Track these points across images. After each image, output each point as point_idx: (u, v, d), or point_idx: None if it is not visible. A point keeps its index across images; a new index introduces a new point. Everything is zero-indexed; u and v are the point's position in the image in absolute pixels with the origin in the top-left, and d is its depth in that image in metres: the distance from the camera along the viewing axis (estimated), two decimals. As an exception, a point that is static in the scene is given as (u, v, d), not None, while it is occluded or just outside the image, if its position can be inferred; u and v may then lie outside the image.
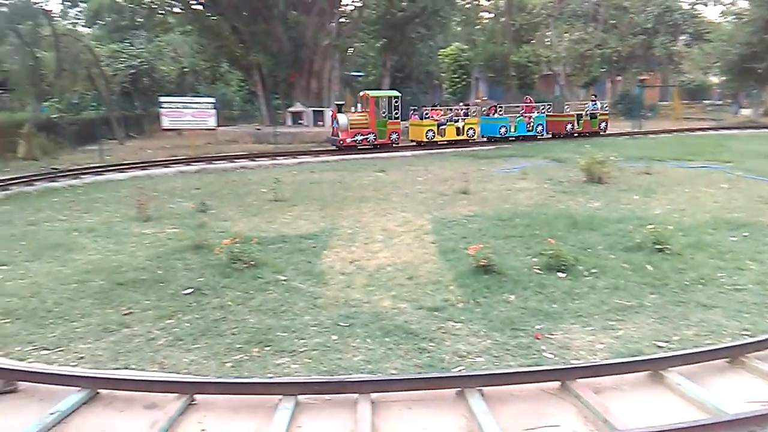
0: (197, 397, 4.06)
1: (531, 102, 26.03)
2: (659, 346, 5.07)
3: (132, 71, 29.77)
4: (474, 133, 23.59)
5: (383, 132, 21.94)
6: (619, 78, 42.46)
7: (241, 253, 7.39)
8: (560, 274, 6.84)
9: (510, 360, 4.84)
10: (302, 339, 5.34)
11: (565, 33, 34.85)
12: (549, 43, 37.73)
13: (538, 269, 7.01)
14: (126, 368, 4.76)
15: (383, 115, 22.15)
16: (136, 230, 9.62)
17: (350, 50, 33.26)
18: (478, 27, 46.34)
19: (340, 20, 30.21)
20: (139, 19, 30.61)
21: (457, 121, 23.37)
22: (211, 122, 21.49)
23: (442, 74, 42.55)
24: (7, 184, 14.23)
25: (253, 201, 12.28)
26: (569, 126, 25.26)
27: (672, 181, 13.48)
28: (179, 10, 28.58)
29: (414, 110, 24.38)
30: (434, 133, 22.73)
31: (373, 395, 3.96)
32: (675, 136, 25.96)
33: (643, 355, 4.73)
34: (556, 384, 4.24)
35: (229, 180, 15.62)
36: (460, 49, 41.80)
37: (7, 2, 22.52)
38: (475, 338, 5.25)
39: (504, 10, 42.09)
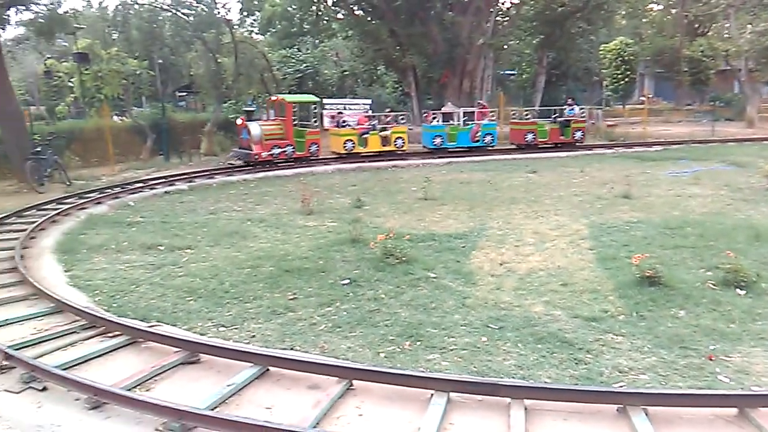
0: (355, 382, 4.28)
1: (484, 107, 22.40)
2: None
3: (299, 75, 31.95)
4: (403, 142, 20.52)
5: (302, 144, 18.72)
6: (813, 74, 36.91)
7: (393, 248, 7.63)
8: (739, 291, 6.16)
9: (678, 380, 4.46)
10: (452, 337, 5.38)
11: (749, 24, 31.00)
12: (728, 35, 33.85)
13: (713, 284, 6.38)
14: (291, 349, 5.15)
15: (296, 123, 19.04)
16: (300, 222, 10.36)
17: (504, 48, 32.63)
18: (645, 20, 42.99)
19: (496, 18, 29.79)
20: (306, 26, 32.74)
21: (383, 129, 20.40)
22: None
23: (603, 70, 40.12)
24: (192, 177, 16.05)
25: (404, 199, 12.60)
26: (530, 136, 21.42)
27: None
28: (342, 16, 30.15)
29: (333, 117, 21.60)
30: (354, 143, 19.76)
31: (527, 402, 3.88)
32: None
33: (843, 390, 4.11)
34: (733, 411, 3.83)
35: (381, 178, 16.17)
36: (624, 44, 39.10)
37: (193, 13, 25.39)
38: (639, 354, 4.91)
39: (676, 0, 38.61)
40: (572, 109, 22.29)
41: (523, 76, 38.67)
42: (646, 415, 3.72)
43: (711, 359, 4.78)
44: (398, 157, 20.01)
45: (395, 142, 20.35)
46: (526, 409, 3.83)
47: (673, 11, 39.95)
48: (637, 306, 5.91)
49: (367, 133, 20.00)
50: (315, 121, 19.29)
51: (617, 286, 6.49)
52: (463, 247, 8.46)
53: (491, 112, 22.12)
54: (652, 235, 8.66)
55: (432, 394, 4.01)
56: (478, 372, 4.65)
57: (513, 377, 4.52)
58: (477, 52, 27.98)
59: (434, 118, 21.45)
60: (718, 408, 3.86)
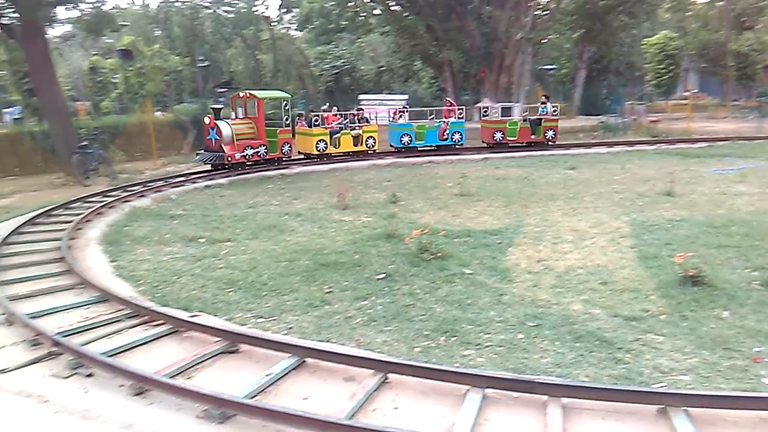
0: (390, 376, 4.31)
1: (452, 104, 21.30)
2: None
3: (335, 71, 32.14)
4: (374, 142, 19.44)
5: (274, 144, 17.12)
6: None
7: (429, 244, 7.62)
8: (787, 293, 5.96)
9: (721, 382, 4.34)
10: (487, 334, 5.35)
11: (800, 16, 29.85)
12: (777, 29, 32.67)
13: (759, 285, 6.18)
14: (327, 341, 5.21)
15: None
16: (336, 217, 10.44)
17: (543, 42, 32.19)
18: (690, 13, 41.76)
19: (535, 12, 29.38)
20: (343, 22, 32.93)
21: (353, 128, 19.20)
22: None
23: (646, 65, 39.15)
24: (231, 172, 16.31)
25: (439, 195, 12.57)
26: (498, 134, 20.59)
27: None
28: (379, 12, 30.21)
29: (300, 115, 19.93)
30: (326, 143, 18.36)
31: (564, 400, 3.85)
32: None
33: None
34: (780, 415, 3.72)
35: (417, 174, 16.14)
36: (668, 38, 38.07)
37: (233, 10, 25.80)
38: (680, 354, 4.80)
39: (723, -8, 37.44)
40: (545, 108, 21.24)
41: (563, 71, 38.10)
42: (687, 416, 3.64)
43: (756, 361, 4.64)
44: (434, 153, 19.91)
45: (367, 141, 19.34)
46: (563, 407, 3.79)
47: (719, 4, 38.75)
48: (680, 306, 5.77)
49: (338, 132, 18.80)
50: (286, 120, 17.68)
51: (659, 286, 6.35)
52: (500, 243, 8.39)
53: (459, 109, 21.16)
54: (696, 233, 8.43)
55: (467, 390, 4.01)
56: (514, 369, 4.62)
57: (550, 375, 4.47)
58: (515, 47, 27.68)
59: (401, 116, 20.49)
60: (762, 411, 3.75)
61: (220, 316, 5.93)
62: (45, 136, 17.64)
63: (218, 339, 5.02)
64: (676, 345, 4.97)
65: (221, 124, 16.11)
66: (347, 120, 19.37)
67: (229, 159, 16.01)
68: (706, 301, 5.83)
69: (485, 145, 21.21)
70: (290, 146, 17.69)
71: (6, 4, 16.61)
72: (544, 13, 30.53)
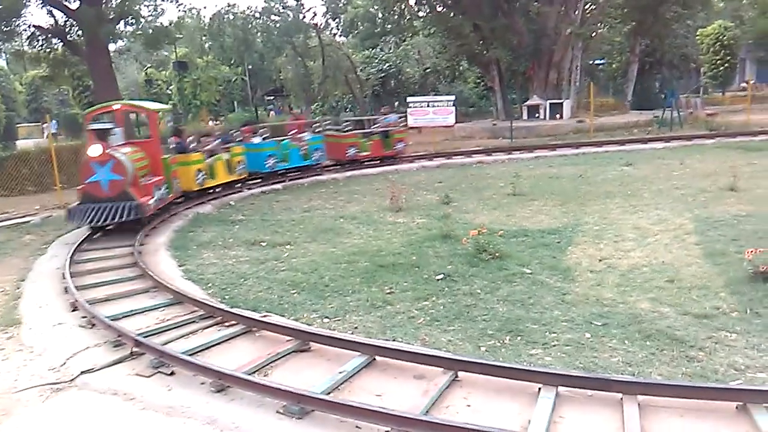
0: (460, 374, 4.37)
1: (300, 118, 18.67)
2: None
3: (381, 75, 32.39)
4: (244, 167, 15.02)
5: (169, 181, 11.68)
6: None
7: (486, 244, 7.64)
8: None
9: (802, 380, 4.23)
10: (553, 333, 5.34)
11: None
12: None
13: (838, 281, 5.95)
14: (393, 341, 5.31)
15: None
16: (390, 219, 10.56)
17: (593, 36, 31.52)
18: (746, 1, 40.09)
19: (585, 6, 28.82)
20: (388, 26, 33.14)
21: (223, 152, 14.31)
22: (451, 119, 22.19)
23: (701, 56, 37.78)
24: (284, 177, 16.63)
25: (491, 195, 12.52)
26: (352, 150, 18.08)
27: None
28: (424, 14, 30.25)
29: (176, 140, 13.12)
30: (206, 174, 13.21)
31: (640, 398, 3.82)
32: None
33: None
34: None
35: (467, 174, 16.11)
36: (723, 28, 36.66)
37: (281, 19, 26.38)
38: (755, 352, 4.68)
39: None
40: (388, 117, 19.47)
41: (614, 65, 37.17)
42: (770, 414, 3.56)
43: (840, 360, 4.48)
44: (484, 153, 19.81)
45: (237, 167, 14.70)
46: (639, 405, 3.77)
47: (780, -11, 36.98)
48: (752, 303, 5.62)
49: (211, 157, 13.78)
50: (170, 144, 12.89)
51: (728, 283, 6.19)
52: (558, 242, 8.33)
53: (313, 123, 18.99)
54: (764, 229, 8.15)
55: (540, 388, 4.03)
56: (584, 368, 4.60)
57: (621, 374, 4.44)
58: (564, 43, 27.24)
59: (262, 133, 16.59)
60: None
61: (287, 316, 6.11)
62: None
63: (290, 338, 5.20)
64: (751, 342, 4.86)
65: (120, 155, 10.07)
66: (220, 140, 14.70)
67: (146, 209, 10.03)
68: (780, 297, 5.66)
69: (333, 163, 18.37)
70: (179, 180, 12.39)
71: (70, 22, 17.48)
72: (594, 7, 29.91)
